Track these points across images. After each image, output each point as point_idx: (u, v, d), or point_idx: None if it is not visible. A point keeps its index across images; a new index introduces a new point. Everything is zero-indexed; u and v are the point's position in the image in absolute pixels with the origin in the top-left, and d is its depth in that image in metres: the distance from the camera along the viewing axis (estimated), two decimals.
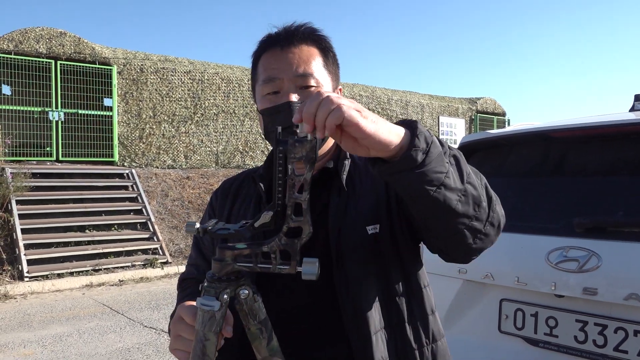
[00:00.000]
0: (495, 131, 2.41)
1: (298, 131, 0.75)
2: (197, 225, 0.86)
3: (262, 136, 1.15)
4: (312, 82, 1.04)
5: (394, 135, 0.76)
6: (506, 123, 18.69)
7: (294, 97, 1.02)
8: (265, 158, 1.19)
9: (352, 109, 0.72)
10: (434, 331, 1.07)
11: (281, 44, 1.06)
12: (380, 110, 14.72)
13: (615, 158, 1.94)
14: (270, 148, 1.18)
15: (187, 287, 1.20)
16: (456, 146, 2.29)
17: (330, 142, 1.13)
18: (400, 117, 14.94)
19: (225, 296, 0.82)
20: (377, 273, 1.02)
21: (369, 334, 0.97)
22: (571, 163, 2.08)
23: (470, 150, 2.37)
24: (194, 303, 0.90)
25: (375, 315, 0.99)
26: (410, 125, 0.80)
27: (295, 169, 0.76)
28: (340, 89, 1.15)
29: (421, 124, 0.80)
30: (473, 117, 17.59)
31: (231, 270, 0.83)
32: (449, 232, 0.87)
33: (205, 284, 0.84)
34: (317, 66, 1.06)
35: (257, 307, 0.85)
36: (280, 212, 0.79)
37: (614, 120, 1.98)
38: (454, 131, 16.88)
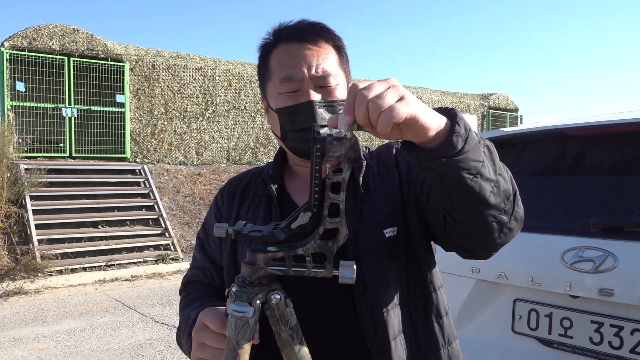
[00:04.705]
0: (510, 129, 2.38)
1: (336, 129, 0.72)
2: (228, 227, 0.82)
3: (273, 133, 1.10)
4: (332, 82, 1.03)
5: (433, 121, 0.72)
6: (519, 120, 18.51)
7: (315, 96, 1.01)
8: (275, 156, 1.17)
9: (402, 104, 0.68)
10: (448, 334, 1.06)
11: (298, 40, 1.04)
12: None
13: (633, 157, 1.91)
14: (279, 146, 1.16)
15: (193, 290, 1.17)
16: None
17: None
18: None
19: (258, 302, 0.79)
20: (394, 276, 1.00)
21: (388, 339, 0.96)
22: (587, 162, 2.05)
23: None
24: (217, 308, 0.87)
25: (394, 320, 0.98)
26: (447, 112, 0.77)
27: (331, 168, 0.73)
28: None
29: (459, 112, 0.78)
30: (485, 114, 17.46)
31: (263, 275, 0.80)
32: (478, 225, 0.84)
33: (236, 289, 0.80)
34: (334, 65, 1.06)
35: (288, 313, 0.82)
36: (316, 213, 0.77)
37: (632, 119, 1.95)
38: None
